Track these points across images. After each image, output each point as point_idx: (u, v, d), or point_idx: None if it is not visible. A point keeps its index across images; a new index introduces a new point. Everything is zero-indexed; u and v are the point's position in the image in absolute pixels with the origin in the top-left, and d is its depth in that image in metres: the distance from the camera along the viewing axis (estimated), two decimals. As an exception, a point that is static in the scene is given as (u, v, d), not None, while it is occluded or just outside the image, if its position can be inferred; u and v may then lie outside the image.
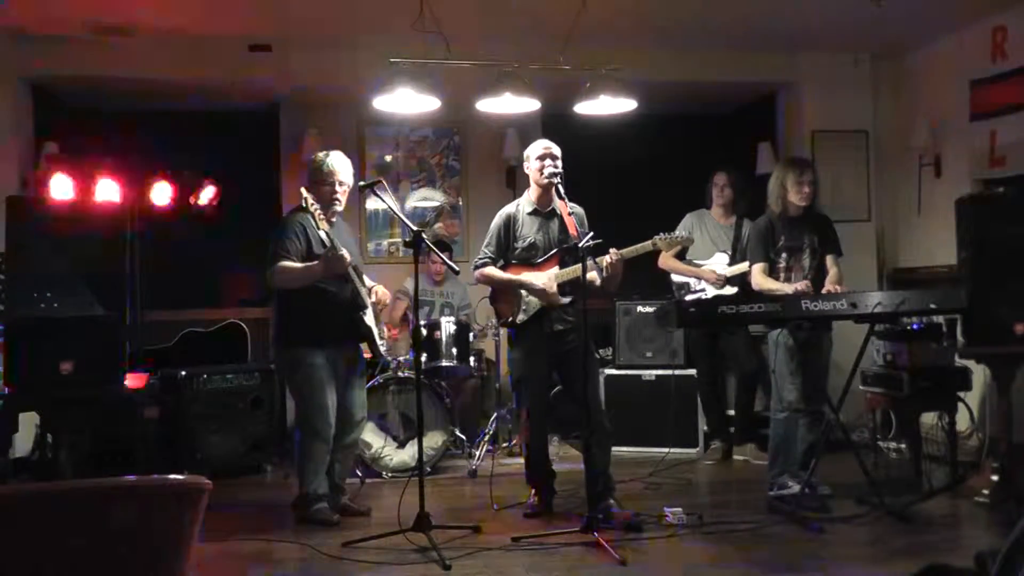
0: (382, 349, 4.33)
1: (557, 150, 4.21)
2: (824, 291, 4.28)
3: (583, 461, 4.04)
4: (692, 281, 5.45)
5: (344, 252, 3.93)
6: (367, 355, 4.38)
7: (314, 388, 4.06)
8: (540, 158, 4.19)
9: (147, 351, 5.82)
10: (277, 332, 4.21)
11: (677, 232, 4.30)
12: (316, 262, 3.96)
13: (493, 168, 6.58)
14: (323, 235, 3.96)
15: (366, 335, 4.19)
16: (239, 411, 5.36)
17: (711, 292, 5.33)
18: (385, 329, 4.55)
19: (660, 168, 6.77)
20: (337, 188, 4.15)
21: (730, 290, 5.28)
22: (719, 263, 5.42)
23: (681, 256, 5.46)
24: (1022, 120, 5.21)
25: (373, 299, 4.25)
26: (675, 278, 5.54)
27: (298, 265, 4.00)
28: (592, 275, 3.94)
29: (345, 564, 3.60)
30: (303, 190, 4.05)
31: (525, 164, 4.32)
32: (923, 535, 3.83)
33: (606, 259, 3.99)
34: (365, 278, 4.35)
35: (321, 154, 4.23)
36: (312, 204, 3.96)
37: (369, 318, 4.19)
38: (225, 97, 6.35)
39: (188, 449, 5.16)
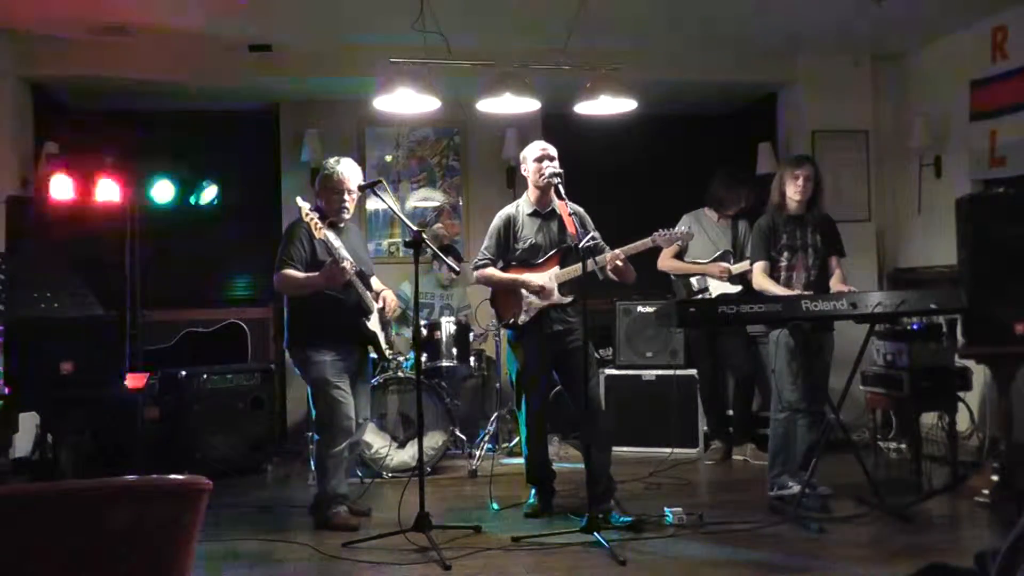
0: (388, 353, 4.33)
1: (554, 151, 4.21)
2: (834, 291, 4.27)
3: (583, 461, 4.04)
4: (695, 280, 5.45)
5: (346, 264, 3.95)
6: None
7: (329, 382, 4.06)
8: (538, 160, 4.19)
9: (147, 351, 5.82)
10: (286, 334, 4.24)
11: (677, 229, 4.30)
12: (317, 273, 3.98)
13: (493, 168, 6.58)
14: (324, 241, 3.96)
15: (371, 339, 4.20)
16: (239, 411, 5.36)
17: (715, 291, 5.33)
18: (393, 333, 4.55)
19: (660, 168, 6.77)
20: (346, 197, 4.16)
21: (734, 288, 5.28)
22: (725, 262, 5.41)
23: (680, 256, 5.46)
24: (1022, 120, 5.21)
25: (380, 305, 4.26)
26: (675, 277, 5.54)
27: (300, 275, 4.03)
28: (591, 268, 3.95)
29: (345, 564, 3.60)
30: (298, 200, 4.06)
31: (522, 167, 4.32)
32: (923, 535, 3.83)
33: (606, 257, 4.00)
34: (375, 281, 4.36)
35: (331, 161, 4.21)
36: (307, 214, 3.96)
37: (373, 323, 4.19)
38: (225, 97, 6.35)
39: (188, 449, 5.16)
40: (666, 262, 5.45)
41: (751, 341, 5.60)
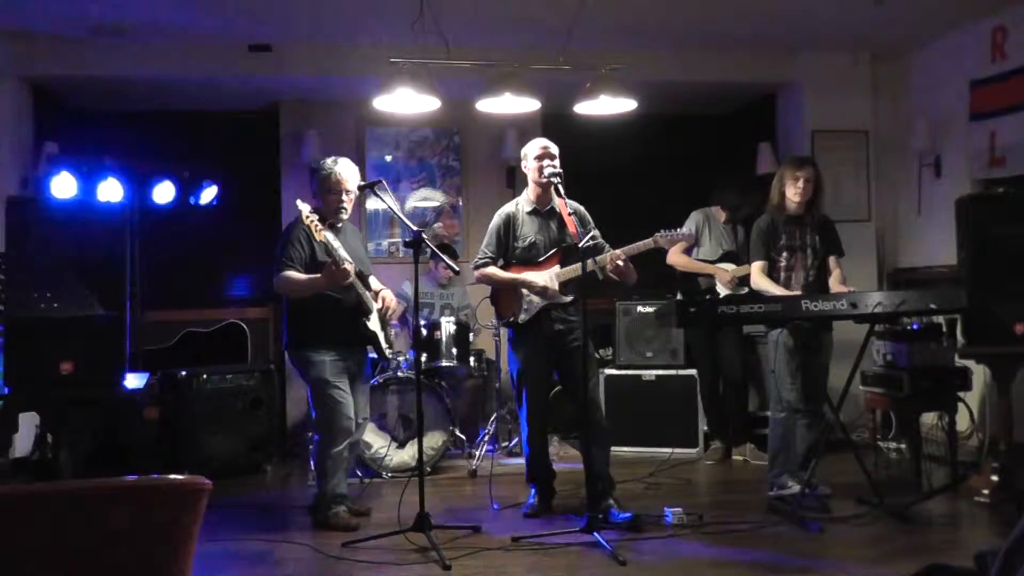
0: (388, 353, 4.33)
1: (555, 149, 4.20)
2: (833, 291, 4.27)
3: (582, 461, 4.04)
4: (703, 280, 5.45)
5: (348, 265, 3.94)
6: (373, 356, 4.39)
7: (329, 382, 4.06)
8: (538, 158, 4.19)
9: (147, 351, 5.82)
10: (286, 335, 4.23)
11: (680, 229, 4.28)
12: (319, 275, 3.96)
13: (493, 168, 6.58)
14: (325, 243, 3.95)
15: (371, 339, 4.19)
16: (239, 411, 5.36)
17: (724, 291, 5.32)
18: (393, 332, 4.54)
19: (660, 168, 6.77)
20: (344, 197, 4.15)
21: (740, 290, 5.28)
22: (729, 265, 5.41)
23: (688, 252, 5.45)
24: (1022, 120, 5.21)
25: (380, 304, 4.25)
26: (681, 276, 5.53)
27: (302, 277, 4.02)
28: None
29: (345, 564, 3.60)
30: (298, 202, 4.05)
31: (523, 163, 4.32)
32: (923, 535, 3.84)
33: (607, 257, 4.01)
34: (374, 280, 4.35)
35: (329, 161, 4.20)
36: (307, 217, 3.94)
37: (373, 323, 4.18)
38: (225, 97, 6.35)
39: (188, 449, 5.16)
40: (677, 258, 5.42)
41: (746, 341, 5.59)
